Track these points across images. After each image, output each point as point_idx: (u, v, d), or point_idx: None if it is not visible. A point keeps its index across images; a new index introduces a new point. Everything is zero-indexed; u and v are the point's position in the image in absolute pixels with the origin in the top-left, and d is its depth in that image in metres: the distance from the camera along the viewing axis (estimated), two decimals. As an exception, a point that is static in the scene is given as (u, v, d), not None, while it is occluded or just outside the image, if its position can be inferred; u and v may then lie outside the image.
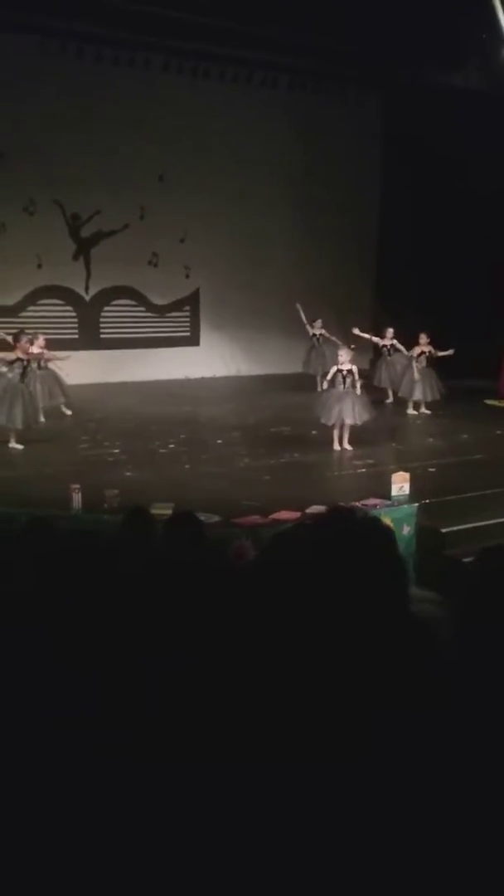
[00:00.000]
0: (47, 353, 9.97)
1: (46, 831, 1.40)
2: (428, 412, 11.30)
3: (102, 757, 1.46)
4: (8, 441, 8.70)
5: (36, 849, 1.38)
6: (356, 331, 11.23)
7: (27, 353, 8.87)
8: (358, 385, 9.21)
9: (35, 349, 9.38)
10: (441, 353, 11.13)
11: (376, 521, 1.50)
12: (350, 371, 9.15)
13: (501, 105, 11.64)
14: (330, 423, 9.09)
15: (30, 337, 9.16)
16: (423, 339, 11.17)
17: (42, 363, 9.90)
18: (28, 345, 8.93)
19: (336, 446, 9.05)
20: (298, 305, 12.34)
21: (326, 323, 12.48)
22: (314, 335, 12.53)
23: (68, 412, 10.27)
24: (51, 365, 10.11)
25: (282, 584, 1.65)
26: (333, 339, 11.92)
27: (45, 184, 12.45)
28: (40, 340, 9.82)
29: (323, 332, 12.42)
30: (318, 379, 10.58)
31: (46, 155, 12.22)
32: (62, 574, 1.91)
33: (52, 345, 10.39)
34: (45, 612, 1.86)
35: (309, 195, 14.29)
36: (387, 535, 1.41)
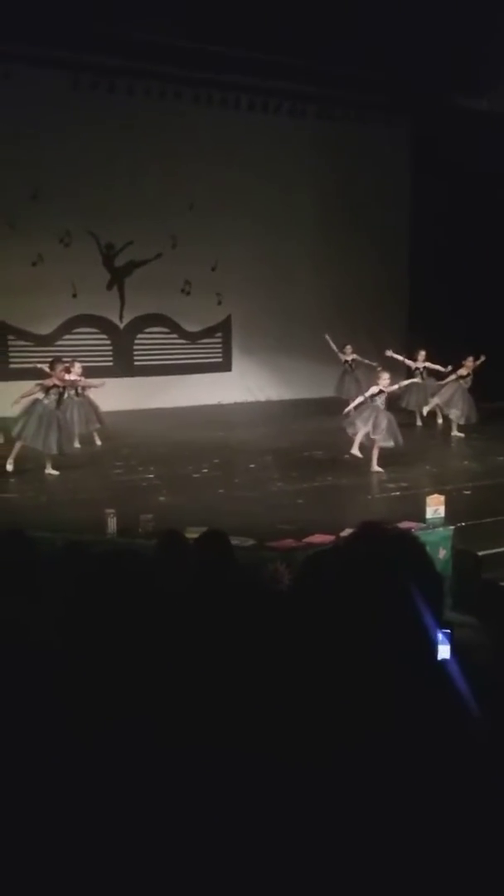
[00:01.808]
0: (83, 381, 10.12)
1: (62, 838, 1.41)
2: (461, 435, 11.23)
3: (131, 777, 1.46)
4: (44, 467, 8.81)
5: (48, 850, 1.38)
6: (389, 353, 11.25)
7: (62, 381, 9.01)
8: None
9: (72, 376, 9.53)
10: (476, 363, 11.14)
11: (408, 536, 1.51)
12: (389, 393, 9.30)
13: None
14: (354, 433, 9.12)
15: (66, 364, 9.32)
16: (470, 361, 11.17)
17: (79, 390, 10.05)
18: (64, 372, 9.08)
19: (375, 467, 9.03)
20: (327, 336, 12.38)
21: (358, 347, 12.50)
22: (346, 361, 12.56)
23: (98, 442, 10.38)
24: (88, 392, 10.26)
25: (317, 609, 1.66)
26: (367, 361, 11.94)
27: (80, 216, 12.69)
28: (77, 368, 9.97)
29: (355, 356, 12.44)
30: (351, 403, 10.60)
31: (81, 187, 12.48)
32: (100, 594, 1.92)
33: (87, 372, 10.54)
34: (81, 634, 1.87)
35: (339, 221, 14.38)
36: (419, 549, 1.42)
